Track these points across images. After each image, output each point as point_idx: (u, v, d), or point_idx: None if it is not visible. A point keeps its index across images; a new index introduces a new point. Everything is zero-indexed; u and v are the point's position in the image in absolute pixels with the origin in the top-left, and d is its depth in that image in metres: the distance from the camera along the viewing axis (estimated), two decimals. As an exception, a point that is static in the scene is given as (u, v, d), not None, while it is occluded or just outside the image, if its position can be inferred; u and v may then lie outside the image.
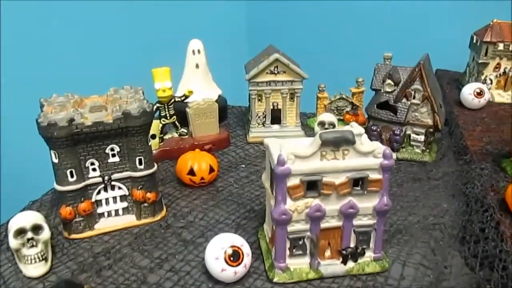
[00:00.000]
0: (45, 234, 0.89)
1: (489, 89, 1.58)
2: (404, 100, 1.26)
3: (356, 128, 0.81)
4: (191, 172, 1.15)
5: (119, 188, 1.01)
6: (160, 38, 1.89)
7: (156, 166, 1.02)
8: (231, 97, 1.60)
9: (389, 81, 1.28)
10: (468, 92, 1.53)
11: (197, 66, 1.48)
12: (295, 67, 1.32)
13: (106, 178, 0.98)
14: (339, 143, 0.78)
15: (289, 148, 0.79)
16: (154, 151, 1.29)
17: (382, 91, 1.30)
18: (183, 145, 1.33)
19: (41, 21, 1.63)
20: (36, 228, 0.88)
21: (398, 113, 1.27)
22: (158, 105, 1.30)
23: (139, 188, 1.00)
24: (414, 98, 1.25)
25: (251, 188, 1.17)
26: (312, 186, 0.80)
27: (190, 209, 1.08)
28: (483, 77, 1.62)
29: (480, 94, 1.51)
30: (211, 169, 1.16)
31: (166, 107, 1.31)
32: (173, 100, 1.32)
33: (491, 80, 1.62)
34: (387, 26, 1.97)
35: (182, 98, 1.34)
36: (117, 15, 1.84)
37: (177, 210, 1.08)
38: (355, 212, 0.83)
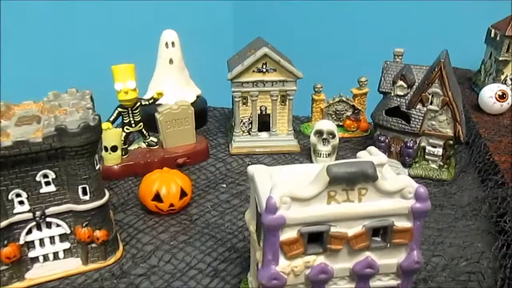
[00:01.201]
0: None
1: (510, 90, 1.36)
2: (419, 106, 1.07)
3: (376, 157, 0.58)
4: (157, 198, 0.91)
5: (58, 225, 0.76)
6: (127, 30, 1.66)
7: (107, 195, 0.78)
8: (213, 97, 1.38)
9: (401, 82, 1.10)
10: (488, 95, 1.32)
11: (171, 61, 1.26)
12: (287, 65, 1.13)
13: (38, 213, 0.74)
14: (354, 180, 0.55)
15: (283, 183, 0.56)
16: (115, 166, 1.08)
17: (392, 94, 1.12)
18: (151, 159, 1.10)
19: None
20: None
21: (411, 122, 1.08)
22: (120, 109, 1.07)
23: (84, 225, 0.76)
24: (431, 103, 1.06)
25: (233, 216, 0.94)
26: (316, 238, 0.57)
27: (154, 247, 0.85)
28: (503, 77, 1.43)
29: (502, 97, 1.30)
30: (183, 193, 0.93)
31: (130, 112, 1.08)
32: (138, 104, 1.08)
33: (512, 80, 1.41)
34: (391, 18, 1.81)
35: (150, 102, 1.10)
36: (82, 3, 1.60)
37: (138, 249, 0.84)
38: (373, 272, 0.60)
